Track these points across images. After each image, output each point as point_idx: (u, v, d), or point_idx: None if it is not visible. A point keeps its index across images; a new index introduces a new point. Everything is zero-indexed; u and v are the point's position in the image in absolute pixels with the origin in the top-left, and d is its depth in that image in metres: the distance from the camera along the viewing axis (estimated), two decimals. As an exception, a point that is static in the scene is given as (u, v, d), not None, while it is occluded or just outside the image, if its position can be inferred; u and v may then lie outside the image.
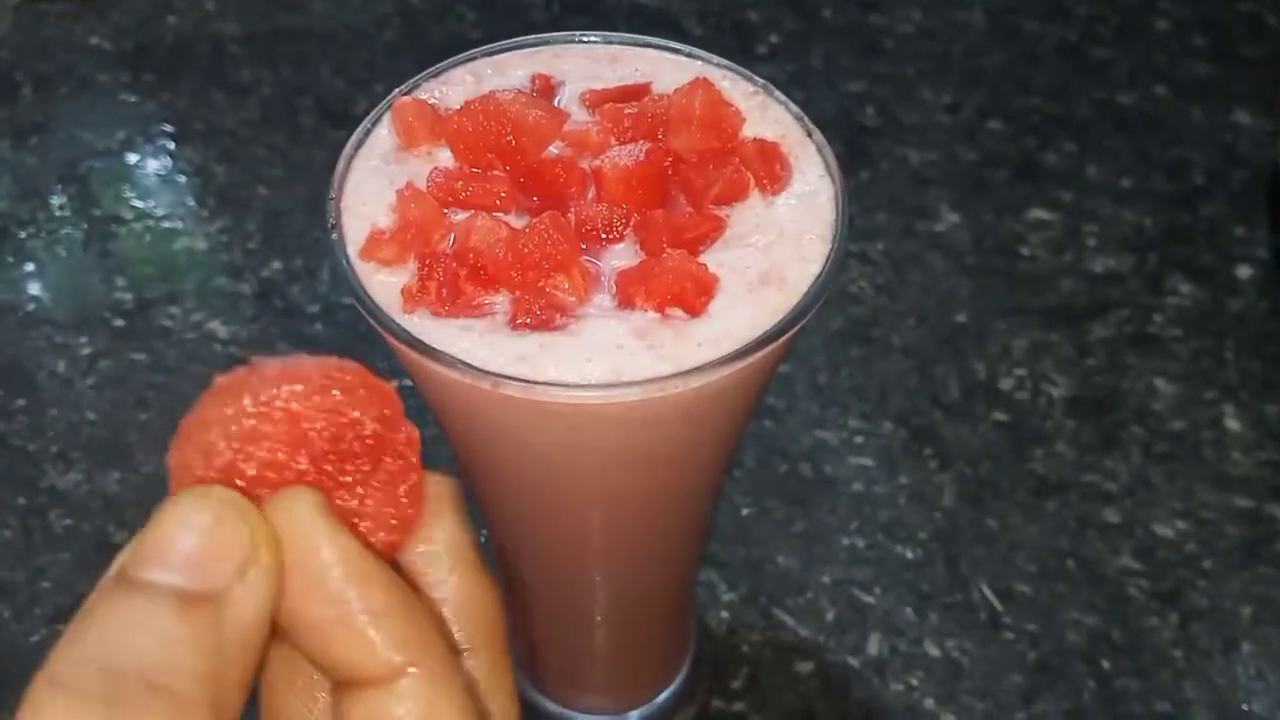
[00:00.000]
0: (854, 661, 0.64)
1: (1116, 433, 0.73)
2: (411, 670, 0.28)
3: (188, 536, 0.27)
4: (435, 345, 0.35)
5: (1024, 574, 0.67)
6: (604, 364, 0.35)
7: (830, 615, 0.65)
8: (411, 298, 0.36)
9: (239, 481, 0.29)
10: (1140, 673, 0.63)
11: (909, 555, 0.67)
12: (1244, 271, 0.81)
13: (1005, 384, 0.75)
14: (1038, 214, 0.84)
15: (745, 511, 0.69)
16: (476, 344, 0.35)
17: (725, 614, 0.65)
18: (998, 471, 0.71)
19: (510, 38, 0.45)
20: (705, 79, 0.41)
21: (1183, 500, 0.70)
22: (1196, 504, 0.70)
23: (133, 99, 0.92)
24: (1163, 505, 0.70)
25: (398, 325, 0.36)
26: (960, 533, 0.68)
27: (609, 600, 0.51)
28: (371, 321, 0.36)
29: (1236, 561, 0.68)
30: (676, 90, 0.41)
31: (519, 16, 0.98)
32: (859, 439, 0.72)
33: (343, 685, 0.29)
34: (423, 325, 0.36)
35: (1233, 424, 0.73)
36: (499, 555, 0.51)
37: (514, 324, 0.36)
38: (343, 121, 0.89)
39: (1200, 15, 0.98)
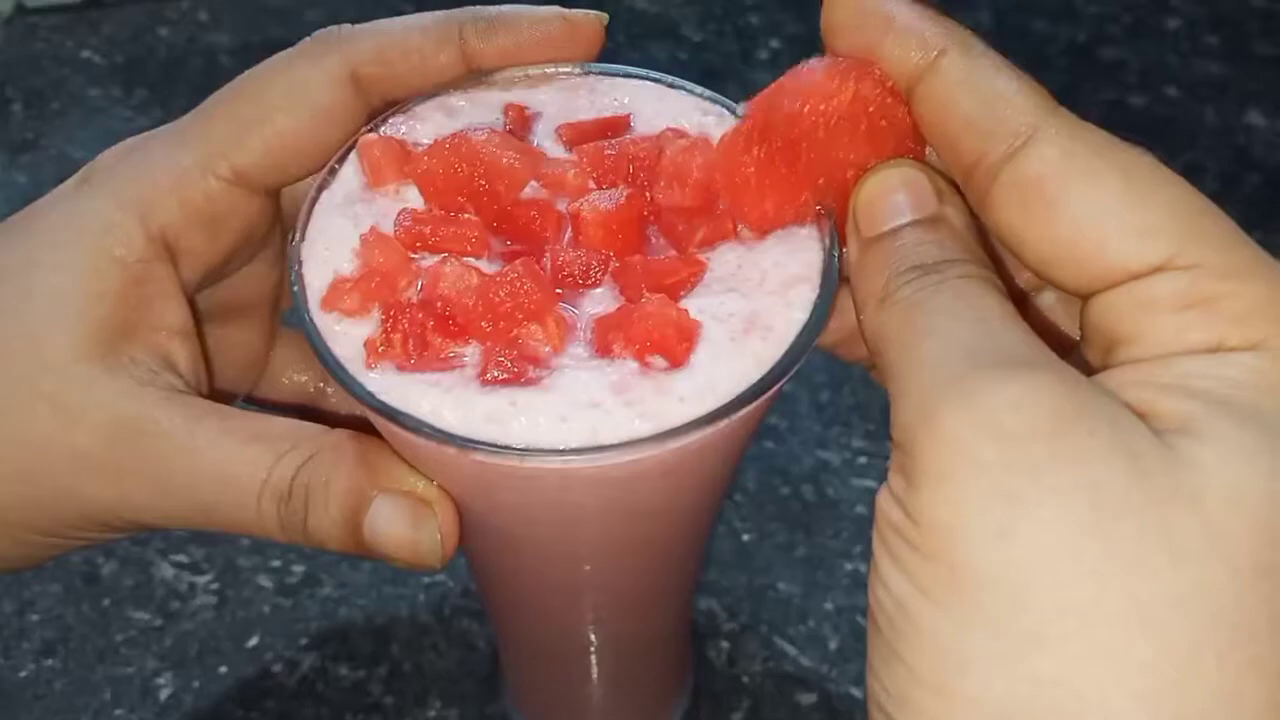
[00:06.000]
0: (858, 692, 0.62)
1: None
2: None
3: (899, 191, 0.34)
4: (399, 404, 0.33)
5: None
6: (580, 423, 0.33)
7: (834, 644, 0.63)
8: (374, 351, 0.34)
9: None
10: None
11: (914, 580, 0.65)
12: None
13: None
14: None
15: (745, 537, 0.67)
16: (443, 401, 0.33)
17: (725, 644, 0.63)
18: (1006, 492, 0.69)
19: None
20: (706, 138, 0.38)
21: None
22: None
23: (125, 114, 0.90)
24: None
25: (359, 385, 0.34)
26: (967, 556, 0.66)
27: (600, 643, 0.49)
28: (333, 379, 0.34)
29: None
30: (671, 144, 0.38)
31: (515, 23, 0.96)
32: (862, 459, 0.70)
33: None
34: (386, 382, 0.34)
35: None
36: (487, 598, 0.50)
37: (484, 378, 0.34)
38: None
39: (1212, 13, 0.95)
